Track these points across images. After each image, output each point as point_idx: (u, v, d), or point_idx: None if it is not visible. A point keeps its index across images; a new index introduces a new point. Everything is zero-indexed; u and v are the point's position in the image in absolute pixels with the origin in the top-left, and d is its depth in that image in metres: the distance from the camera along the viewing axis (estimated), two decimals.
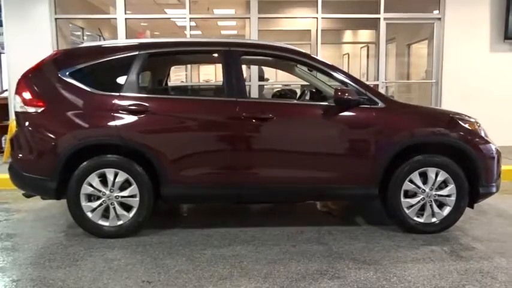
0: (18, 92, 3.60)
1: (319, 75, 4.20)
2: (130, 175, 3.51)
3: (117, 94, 3.54)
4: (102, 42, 3.83)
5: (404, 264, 3.08)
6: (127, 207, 3.57)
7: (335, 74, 3.72)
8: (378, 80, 7.32)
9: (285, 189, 3.67)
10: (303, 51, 3.87)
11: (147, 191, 3.54)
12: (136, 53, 3.64)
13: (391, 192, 3.64)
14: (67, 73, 3.58)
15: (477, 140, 3.68)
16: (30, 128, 3.55)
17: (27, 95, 3.56)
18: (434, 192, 3.66)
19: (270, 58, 4.13)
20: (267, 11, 8.03)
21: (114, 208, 3.54)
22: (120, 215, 3.55)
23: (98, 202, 3.53)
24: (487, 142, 3.72)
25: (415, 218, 3.70)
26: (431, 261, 3.14)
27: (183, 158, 3.55)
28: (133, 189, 3.53)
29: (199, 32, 16.11)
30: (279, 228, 3.82)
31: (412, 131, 3.63)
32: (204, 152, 3.57)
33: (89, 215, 3.54)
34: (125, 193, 3.54)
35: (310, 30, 11.45)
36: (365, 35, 12.59)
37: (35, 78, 3.62)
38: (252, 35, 7.13)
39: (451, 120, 3.72)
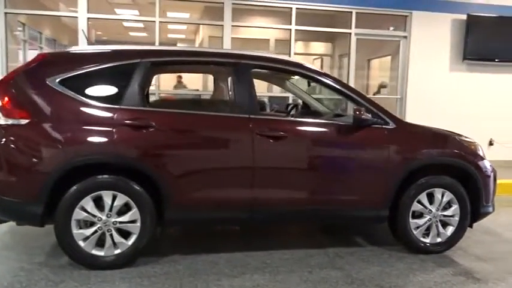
0: None
1: (310, 91, 4.09)
2: (131, 198, 3.11)
3: (117, 106, 3.13)
4: (97, 47, 3.38)
5: None
6: (124, 234, 3.17)
7: (349, 93, 3.60)
8: None
9: (298, 211, 3.47)
10: (316, 68, 3.72)
11: (149, 216, 3.16)
12: (138, 60, 3.25)
13: (401, 213, 3.60)
14: (57, 81, 3.10)
15: (478, 161, 3.76)
16: (10, 143, 3.02)
17: (7, 105, 3.03)
18: (440, 213, 3.68)
19: (280, 73, 3.92)
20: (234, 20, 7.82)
21: (111, 235, 3.12)
22: (118, 243, 3.13)
23: (92, 229, 3.09)
24: (487, 163, 3.82)
25: (422, 239, 3.69)
26: (454, 285, 3.11)
27: (191, 179, 3.22)
28: (133, 213, 3.13)
29: (144, 34, 15.44)
30: (285, 252, 3.61)
31: (423, 152, 3.62)
32: (214, 171, 3.27)
33: (81, 244, 3.08)
34: (124, 218, 3.13)
35: (269, 39, 11.51)
36: (317, 47, 12.79)
37: (16, 86, 3.09)
38: (225, 43, 6.87)
39: (455, 141, 3.77)
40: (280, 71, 3.80)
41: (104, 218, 3.09)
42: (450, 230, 3.73)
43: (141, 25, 13.72)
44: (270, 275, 3.17)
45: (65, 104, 3.09)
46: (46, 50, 10.98)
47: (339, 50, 11.16)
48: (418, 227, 3.66)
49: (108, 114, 3.11)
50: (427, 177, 3.62)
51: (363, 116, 3.38)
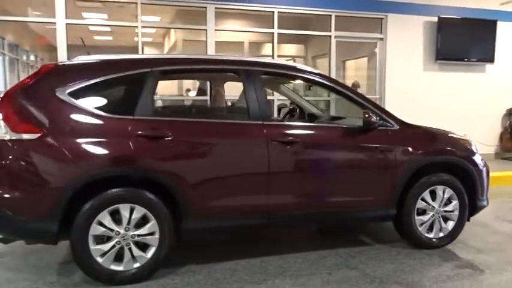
0: (1, 113, 2.90)
1: (303, 95, 4.13)
2: (148, 210, 3.06)
3: (131, 117, 3.07)
4: (105, 56, 3.28)
5: (445, 283, 3.16)
6: (142, 247, 3.10)
7: (355, 97, 3.70)
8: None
9: (313, 214, 3.52)
10: (325, 74, 3.79)
11: (167, 227, 3.11)
12: (149, 69, 3.19)
13: (407, 210, 3.73)
14: (66, 92, 3.00)
15: (474, 157, 3.96)
16: (20, 159, 2.89)
17: (15, 119, 2.89)
18: (442, 209, 3.85)
19: (287, 79, 3.95)
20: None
21: (129, 249, 3.05)
22: (137, 256, 3.07)
23: (111, 244, 3.01)
24: (481, 159, 4.02)
25: (426, 234, 3.84)
26: (465, 278, 3.26)
27: (209, 187, 3.20)
28: (152, 225, 3.08)
29: (110, 38, 15.04)
30: (297, 255, 3.65)
31: (427, 151, 3.77)
32: (231, 179, 3.26)
33: (99, 259, 2.99)
34: (143, 231, 3.07)
35: (243, 42, 11.53)
36: (289, 48, 12.94)
37: (24, 98, 2.95)
38: (208, 47, 6.82)
39: (453, 139, 3.95)
40: (288, 77, 3.84)
41: (122, 231, 3.02)
42: (451, 224, 3.91)
43: (107, 29, 13.38)
44: (290, 279, 3.21)
45: (77, 116, 2.99)
46: (8, 55, 10.51)
47: (311, 52, 11.37)
48: (422, 224, 3.81)
49: (123, 126, 3.04)
50: (430, 175, 3.77)
51: (372, 119, 3.48)
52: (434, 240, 3.84)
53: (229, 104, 4.41)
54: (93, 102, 3.07)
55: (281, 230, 4.27)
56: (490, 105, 8.42)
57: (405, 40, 7.75)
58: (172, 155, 3.12)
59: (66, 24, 6.16)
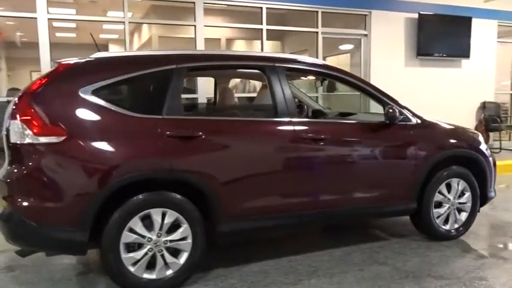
0: (20, 116, 2.66)
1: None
2: (181, 214, 2.91)
3: (159, 117, 2.90)
4: (128, 53, 3.08)
5: (475, 273, 3.21)
6: (174, 253, 2.95)
7: (374, 92, 3.70)
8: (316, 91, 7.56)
9: (341, 211, 3.49)
10: (347, 71, 3.76)
11: (200, 231, 2.98)
12: (174, 66, 3.03)
13: (425, 204, 3.78)
14: (90, 91, 2.79)
15: (484, 151, 4.07)
16: (46, 165, 2.66)
17: (38, 121, 2.65)
18: (456, 201, 3.93)
19: (312, 75, 3.89)
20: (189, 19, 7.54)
21: (162, 256, 2.89)
22: (170, 263, 2.92)
23: (143, 251, 2.83)
24: (489, 152, 4.14)
25: (443, 226, 3.91)
26: (492, 267, 3.34)
27: (242, 188, 3.09)
28: (184, 230, 2.93)
29: (73, 35, 14.38)
30: (323, 253, 3.61)
31: (444, 145, 3.83)
32: (263, 178, 3.16)
33: (131, 269, 2.82)
34: (175, 236, 2.91)
35: (219, 39, 11.34)
36: (264, 45, 12.83)
37: (44, 99, 2.72)
38: (198, 44, 6.64)
39: (467, 133, 4.05)
40: (310, 73, 3.78)
41: (154, 237, 2.85)
42: (464, 215, 4.00)
43: (72, 25, 12.77)
44: (325, 278, 3.16)
45: (104, 116, 2.79)
46: None
47: (288, 48, 11.36)
48: (439, 216, 3.87)
49: (152, 126, 2.87)
50: (446, 168, 3.84)
51: (396, 114, 3.49)
52: (451, 231, 3.92)
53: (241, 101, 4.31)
54: (119, 102, 2.89)
55: (308, 229, 4.23)
56: (466, 99, 8.75)
57: (388, 36, 7.90)
58: (205, 156, 2.98)
59: (49, 19, 5.79)
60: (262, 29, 7.06)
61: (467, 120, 8.86)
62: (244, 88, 10.40)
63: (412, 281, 3.10)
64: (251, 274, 3.22)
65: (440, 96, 8.42)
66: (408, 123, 3.71)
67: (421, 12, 7.99)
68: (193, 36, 10.49)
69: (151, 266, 2.88)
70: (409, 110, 3.79)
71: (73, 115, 2.73)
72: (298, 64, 3.55)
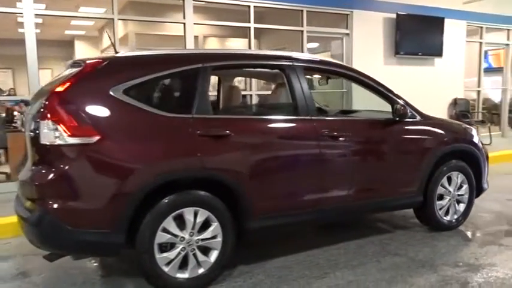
0: (52, 116, 2.58)
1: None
2: (212, 212, 2.93)
3: (190, 116, 2.90)
4: (154, 52, 3.04)
5: (484, 260, 3.42)
6: (204, 252, 2.97)
7: (385, 92, 3.87)
8: None
9: (356, 205, 3.61)
10: (359, 70, 3.88)
11: (230, 229, 3.01)
12: (200, 65, 3.03)
13: (430, 196, 3.97)
14: (121, 90, 2.75)
15: (480, 145, 4.33)
16: (80, 166, 2.60)
17: (70, 122, 2.59)
18: (456, 193, 4.16)
19: (327, 74, 3.96)
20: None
21: (194, 255, 2.89)
22: (202, 261, 2.93)
23: (176, 251, 2.83)
24: (483, 146, 4.41)
25: (444, 217, 4.13)
26: (495, 254, 3.55)
27: (269, 185, 3.15)
28: (215, 228, 2.95)
29: (37, 31, 13.77)
30: (336, 247, 3.72)
31: (447, 140, 4.03)
32: (289, 176, 3.23)
33: (165, 269, 2.81)
34: (207, 234, 2.93)
35: (197, 36, 11.22)
36: (240, 43, 12.82)
37: (76, 98, 2.65)
38: (187, 41, 6.58)
39: (465, 129, 4.28)
40: (326, 72, 3.87)
41: (186, 237, 2.86)
42: (462, 207, 4.23)
43: (38, 20, 12.24)
44: (348, 270, 3.27)
45: (137, 116, 2.76)
46: None
47: (264, 46, 11.43)
48: (441, 208, 4.09)
49: (184, 125, 2.87)
50: (448, 162, 4.05)
51: (407, 111, 3.68)
52: (452, 222, 4.14)
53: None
54: (150, 101, 2.87)
55: (327, 223, 4.32)
56: (439, 95, 9.16)
57: (368, 35, 8.14)
58: (234, 154, 3.01)
59: (35, 15, 5.56)
60: (249, 27, 7.09)
61: (441, 116, 9.29)
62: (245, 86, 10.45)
63: (429, 269, 3.27)
64: (275, 270, 3.29)
65: (416, 93, 8.67)
66: (414, 119, 3.89)
67: (398, 13, 8.29)
68: (172, 34, 10.35)
69: (183, 265, 2.89)
70: (413, 106, 3.97)
71: (105, 115, 2.69)
72: (315, 64, 3.64)
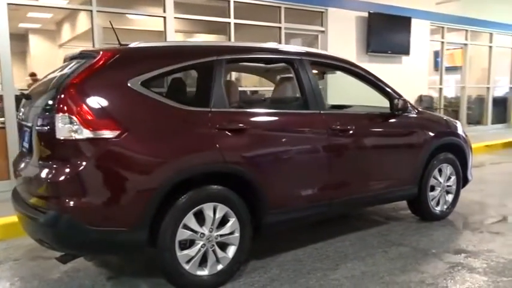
0: (69, 110, 2.43)
1: None
2: (230, 208, 2.88)
3: (208, 110, 2.83)
4: (169, 43, 2.94)
5: (482, 246, 3.59)
6: (222, 248, 2.91)
7: (384, 87, 4.01)
8: None
9: (364, 197, 3.69)
10: (359, 65, 3.95)
11: (247, 224, 2.97)
12: (215, 58, 2.97)
13: (424, 188, 4.12)
14: (139, 82, 2.63)
15: (466, 138, 4.54)
16: (100, 161, 2.47)
17: (89, 115, 2.45)
18: (445, 184, 4.35)
19: (332, 69, 3.98)
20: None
21: (213, 251, 2.84)
22: (221, 257, 2.88)
23: (197, 248, 2.76)
24: (468, 139, 4.63)
25: (436, 208, 4.31)
26: (491, 241, 3.75)
27: (285, 179, 3.14)
28: (233, 224, 2.91)
29: None
30: (341, 239, 3.79)
31: (439, 133, 4.19)
32: (303, 170, 3.24)
33: (186, 266, 2.73)
34: (225, 230, 2.88)
35: (162, 31, 10.94)
36: (209, 39, 12.64)
37: (93, 90, 2.51)
38: (168, 36, 6.41)
39: (452, 122, 4.47)
40: (327, 66, 3.90)
41: (206, 233, 2.79)
42: (451, 197, 4.43)
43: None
44: (358, 261, 3.33)
45: (156, 109, 2.67)
46: None
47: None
48: (433, 199, 4.26)
49: (203, 119, 2.80)
50: (439, 155, 4.22)
51: (408, 105, 3.80)
52: (442, 212, 4.33)
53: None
54: (168, 94, 2.78)
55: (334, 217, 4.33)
56: (406, 92, 9.43)
57: (342, 33, 8.32)
58: (253, 148, 2.97)
59: (8, 4, 5.21)
60: (230, 23, 7.03)
61: None
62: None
63: (435, 257, 3.39)
64: (287, 263, 3.29)
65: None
66: (410, 114, 4.02)
67: (370, 11, 8.53)
68: (146, 28, 10.02)
69: (202, 262, 2.83)
70: (408, 101, 4.10)
71: (126, 108, 2.58)
72: (320, 58, 3.68)
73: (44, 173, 2.53)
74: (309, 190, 3.30)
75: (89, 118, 2.45)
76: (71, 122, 2.43)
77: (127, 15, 8.33)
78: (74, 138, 2.43)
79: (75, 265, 3.24)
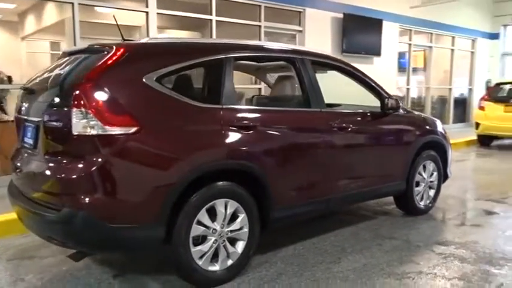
0: (86, 105, 2.39)
1: None
2: (240, 204, 2.92)
3: (219, 106, 2.86)
4: (179, 40, 2.91)
5: (467, 238, 3.82)
6: (232, 243, 2.96)
7: (376, 87, 4.13)
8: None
9: (359, 193, 3.83)
10: (352, 65, 4.08)
11: (255, 219, 3.03)
12: (223, 56, 2.99)
13: (410, 183, 4.33)
14: (154, 78, 2.62)
15: (446, 135, 4.80)
16: (118, 158, 2.44)
17: (106, 110, 2.42)
18: (429, 180, 4.58)
19: (330, 69, 4.07)
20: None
21: (224, 246, 2.87)
22: (231, 252, 2.92)
23: (209, 243, 2.79)
24: (448, 137, 4.88)
25: (421, 203, 4.53)
26: (474, 233, 4.00)
27: (292, 176, 3.23)
28: (242, 219, 2.95)
29: None
30: (334, 234, 3.91)
31: (425, 132, 4.40)
32: (307, 166, 3.33)
33: (199, 262, 2.75)
34: (235, 226, 2.92)
35: (139, 26, 10.69)
36: (182, 35, 12.46)
37: (110, 85, 2.47)
38: (150, 31, 6.32)
39: (434, 121, 4.70)
40: (326, 65, 3.99)
41: (218, 229, 2.82)
42: (432, 192, 4.67)
43: None
44: (356, 254, 3.46)
45: (171, 105, 2.67)
46: None
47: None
48: (418, 194, 4.48)
49: (215, 116, 2.83)
50: (424, 152, 4.42)
51: (400, 105, 3.97)
52: (426, 206, 4.55)
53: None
54: (181, 90, 2.77)
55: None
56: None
57: (319, 33, 8.49)
58: (263, 145, 3.03)
59: None
60: (211, 20, 7.02)
61: None
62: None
63: (426, 248, 3.58)
64: (290, 258, 3.37)
65: (358, 90, 9.33)
66: (400, 113, 4.21)
67: (345, 13, 8.76)
68: (122, 24, 9.71)
69: (213, 257, 2.86)
70: (400, 101, 4.28)
71: (141, 104, 2.56)
72: (320, 58, 3.78)
73: (56, 169, 2.48)
74: (311, 186, 3.39)
75: (106, 114, 2.42)
76: (88, 118, 2.39)
77: (96, 8, 8.10)
78: (90, 134, 2.39)
79: (75, 264, 3.18)
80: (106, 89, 2.45)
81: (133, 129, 2.46)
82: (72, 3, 5.74)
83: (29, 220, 2.73)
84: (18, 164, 2.95)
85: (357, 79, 4.08)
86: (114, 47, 2.62)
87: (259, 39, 7.70)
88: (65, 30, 9.41)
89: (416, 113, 4.60)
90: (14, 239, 3.73)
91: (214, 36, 7.13)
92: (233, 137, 2.86)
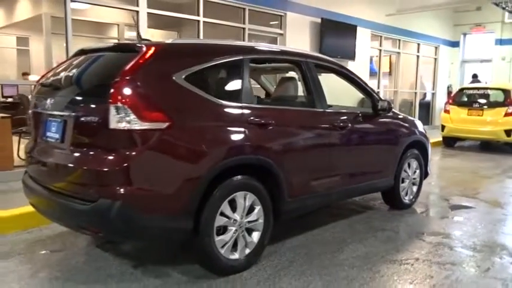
0: (124, 100, 2.50)
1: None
2: (257, 196, 3.12)
3: (240, 104, 3.04)
4: (202, 41, 3.07)
5: (452, 229, 4.21)
6: (249, 233, 3.14)
7: (369, 90, 4.43)
8: None
9: (358, 187, 4.12)
10: (348, 68, 4.35)
11: (269, 211, 3.23)
12: (241, 57, 3.18)
13: (398, 180, 4.66)
14: (183, 77, 2.77)
15: (426, 135, 5.18)
16: (152, 152, 2.57)
17: (142, 106, 2.54)
18: (412, 177, 4.94)
19: (330, 72, 4.31)
20: None
21: (243, 236, 3.06)
22: (249, 242, 3.11)
23: (230, 233, 2.96)
24: (428, 136, 5.27)
25: (405, 197, 4.88)
26: (458, 224, 4.39)
27: (302, 171, 3.46)
28: (258, 211, 3.15)
29: None
30: (331, 226, 4.16)
31: (410, 131, 4.75)
32: (314, 162, 3.58)
33: (221, 251, 2.92)
34: (252, 217, 3.11)
35: (117, 24, 10.60)
36: (160, 34, 12.39)
37: (144, 82, 2.60)
38: (141, 30, 6.33)
39: (415, 121, 5.06)
40: (326, 69, 4.24)
41: (238, 219, 3.00)
42: (415, 188, 5.04)
43: None
44: (356, 243, 3.73)
45: (199, 103, 2.83)
46: None
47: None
48: (403, 190, 4.82)
49: (238, 113, 3.02)
50: (408, 151, 4.77)
51: (392, 106, 4.29)
52: (410, 201, 4.91)
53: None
54: (207, 88, 2.94)
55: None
56: (351, 96, 10.26)
57: (299, 36, 8.80)
58: (278, 142, 3.24)
59: None
60: (199, 21, 7.14)
61: None
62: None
63: (417, 239, 3.90)
64: (297, 248, 3.59)
65: (333, 93, 9.71)
66: (389, 114, 4.53)
67: (323, 18, 9.11)
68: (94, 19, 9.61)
69: (232, 246, 3.03)
70: (391, 103, 4.61)
71: (173, 101, 2.71)
72: (322, 61, 4.03)
73: (91, 162, 2.57)
74: (317, 180, 3.64)
75: (142, 109, 2.54)
76: (125, 113, 2.50)
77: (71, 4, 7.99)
78: (127, 128, 2.51)
79: (91, 256, 3.26)
80: (142, 86, 2.58)
81: (166, 125, 2.60)
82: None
83: (56, 211, 2.80)
84: (39, 158, 3.00)
85: (353, 82, 4.37)
86: (145, 47, 2.75)
87: (243, 40, 7.90)
88: (40, 26, 9.26)
89: (402, 114, 4.95)
90: (19, 234, 3.74)
91: (201, 36, 7.25)
92: (253, 133, 3.05)
